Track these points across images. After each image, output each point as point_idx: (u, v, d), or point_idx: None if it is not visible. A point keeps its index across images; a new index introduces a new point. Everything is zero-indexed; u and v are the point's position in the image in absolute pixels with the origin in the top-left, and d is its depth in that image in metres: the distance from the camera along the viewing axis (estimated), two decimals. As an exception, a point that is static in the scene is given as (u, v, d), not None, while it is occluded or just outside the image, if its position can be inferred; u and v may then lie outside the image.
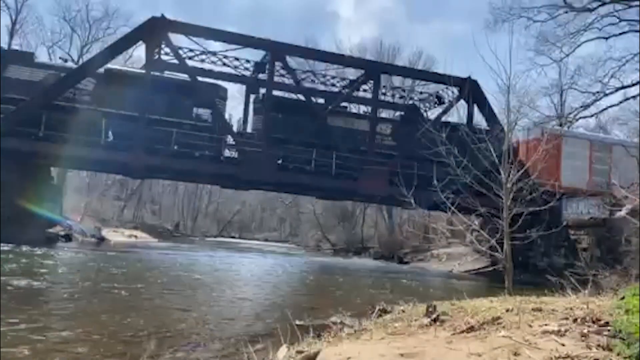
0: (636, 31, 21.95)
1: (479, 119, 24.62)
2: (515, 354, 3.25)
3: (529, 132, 25.12)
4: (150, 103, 20.59)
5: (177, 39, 23.03)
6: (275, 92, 24.22)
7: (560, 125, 25.78)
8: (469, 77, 23.16)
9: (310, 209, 49.83)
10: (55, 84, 20.34)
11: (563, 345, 3.36)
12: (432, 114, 25.94)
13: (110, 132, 21.01)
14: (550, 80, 44.29)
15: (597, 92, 23.20)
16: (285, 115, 22.97)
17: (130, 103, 20.44)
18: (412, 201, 10.13)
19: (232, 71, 24.13)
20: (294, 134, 22.36)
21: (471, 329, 4.12)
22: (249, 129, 23.71)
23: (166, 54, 22.41)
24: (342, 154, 22.25)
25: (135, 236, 36.99)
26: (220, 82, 22.92)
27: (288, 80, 23.90)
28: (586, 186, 24.10)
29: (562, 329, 3.73)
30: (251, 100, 24.67)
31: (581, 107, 24.13)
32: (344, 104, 25.28)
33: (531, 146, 24.86)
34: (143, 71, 21.71)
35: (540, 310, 4.56)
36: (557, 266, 17.42)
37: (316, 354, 3.91)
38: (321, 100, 25.88)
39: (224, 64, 23.97)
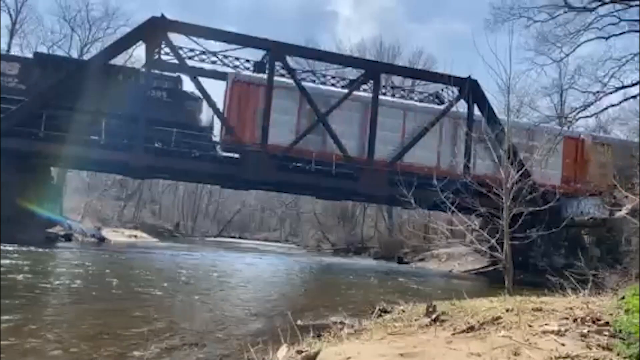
0: (636, 31, 21.87)
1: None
2: (515, 354, 3.25)
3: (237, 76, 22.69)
4: None
5: (177, 38, 23.02)
6: None
7: (560, 125, 25.62)
8: (469, 77, 23.15)
9: (310, 209, 49.82)
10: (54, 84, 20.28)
11: (563, 345, 3.36)
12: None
13: None
14: (550, 80, 44.28)
15: (597, 92, 23.05)
16: None
17: None
18: (412, 201, 10.14)
19: (232, 71, 24.10)
20: None
21: (471, 329, 4.12)
22: None
23: (166, 53, 22.39)
24: None
25: (135, 236, 37.02)
26: None
27: (288, 80, 23.84)
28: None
29: (562, 329, 3.73)
30: None
31: (581, 107, 23.95)
32: None
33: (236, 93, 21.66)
34: None
35: (540, 310, 4.57)
36: (557, 266, 17.39)
37: (316, 354, 3.90)
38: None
39: (224, 64, 23.96)
